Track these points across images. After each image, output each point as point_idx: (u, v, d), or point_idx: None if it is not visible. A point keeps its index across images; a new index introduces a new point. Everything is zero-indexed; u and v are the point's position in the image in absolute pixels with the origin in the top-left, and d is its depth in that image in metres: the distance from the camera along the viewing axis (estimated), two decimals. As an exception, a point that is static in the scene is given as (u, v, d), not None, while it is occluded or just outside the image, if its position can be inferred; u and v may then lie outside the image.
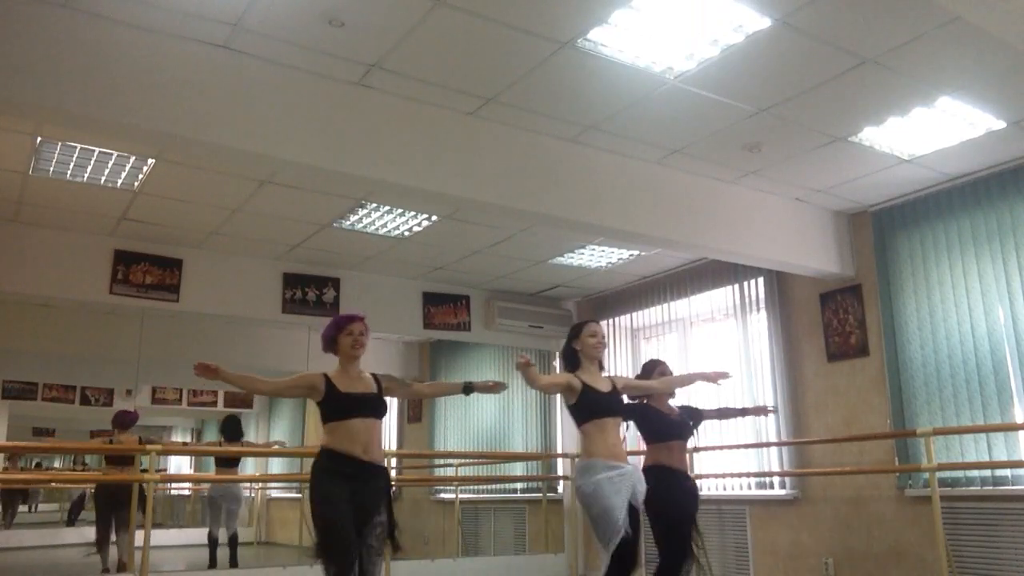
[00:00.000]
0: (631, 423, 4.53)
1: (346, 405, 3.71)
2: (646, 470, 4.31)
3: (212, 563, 7.31)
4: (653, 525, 4.32)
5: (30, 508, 13.52)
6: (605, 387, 4.07)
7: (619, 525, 3.72)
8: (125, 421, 7.07)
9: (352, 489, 3.57)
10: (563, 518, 7.95)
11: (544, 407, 8.71)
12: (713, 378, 4.52)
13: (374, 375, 3.95)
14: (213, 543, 7.43)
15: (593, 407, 3.96)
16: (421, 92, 4.34)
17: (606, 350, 4.22)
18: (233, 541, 7.40)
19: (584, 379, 4.01)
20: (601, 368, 4.18)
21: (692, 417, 4.76)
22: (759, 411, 5.33)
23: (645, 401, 4.59)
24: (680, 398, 4.81)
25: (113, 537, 6.81)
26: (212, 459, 8.53)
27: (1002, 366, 5.16)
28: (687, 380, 4.74)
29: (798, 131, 4.82)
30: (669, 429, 4.54)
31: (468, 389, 4.11)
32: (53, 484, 11.65)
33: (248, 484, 11.11)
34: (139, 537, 5.47)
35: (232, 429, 7.87)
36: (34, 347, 8.22)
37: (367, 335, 3.91)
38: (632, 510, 3.83)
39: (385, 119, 4.35)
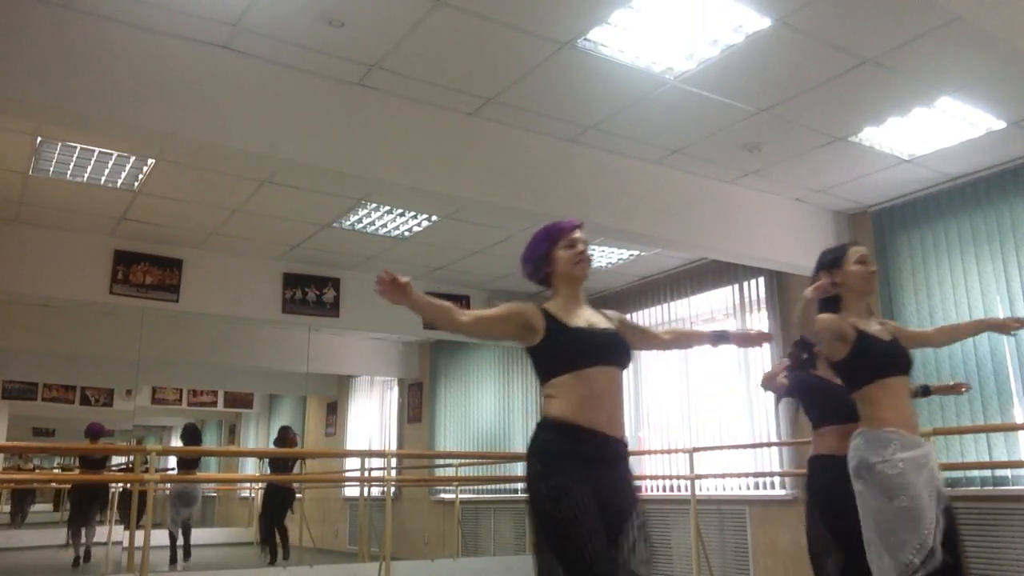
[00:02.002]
0: (799, 404, 3.61)
1: (582, 346, 2.50)
2: (816, 460, 3.45)
3: (183, 556, 8.14)
4: (836, 536, 3.30)
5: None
6: (884, 334, 3.03)
7: (930, 533, 2.65)
8: (97, 431, 8.21)
9: (596, 479, 2.35)
10: (563, 518, 7.93)
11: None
12: (1010, 326, 3.25)
13: (599, 311, 2.78)
14: (173, 538, 8.17)
15: (876, 360, 2.93)
16: (421, 92, 4.35)
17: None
18: (187, 534, 8.28)
19: (856, 323, 2.97)
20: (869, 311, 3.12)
21: None
22: (946, 390, 4.06)
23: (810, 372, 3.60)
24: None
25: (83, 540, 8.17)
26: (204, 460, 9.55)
27: (1002, 366, 5.16)
28: (972, 329, 3.60)
29: (798, 131, 4.82)
30: (847, 407, 3.41)
31: (721, 338, 2.90)
32: (53, 484, 11.67)
33: (248, 484, 11.13)
34: (139, 537, 5.47)
35: (191, 437, 8.57)
36: (34, 347, 8.24)
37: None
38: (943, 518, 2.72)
39: (385, 119, 4.35)
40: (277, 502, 8.53)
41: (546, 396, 2.52)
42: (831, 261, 3.10)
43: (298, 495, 8.64)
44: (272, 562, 8.03)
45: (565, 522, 2.26)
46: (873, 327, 3.03)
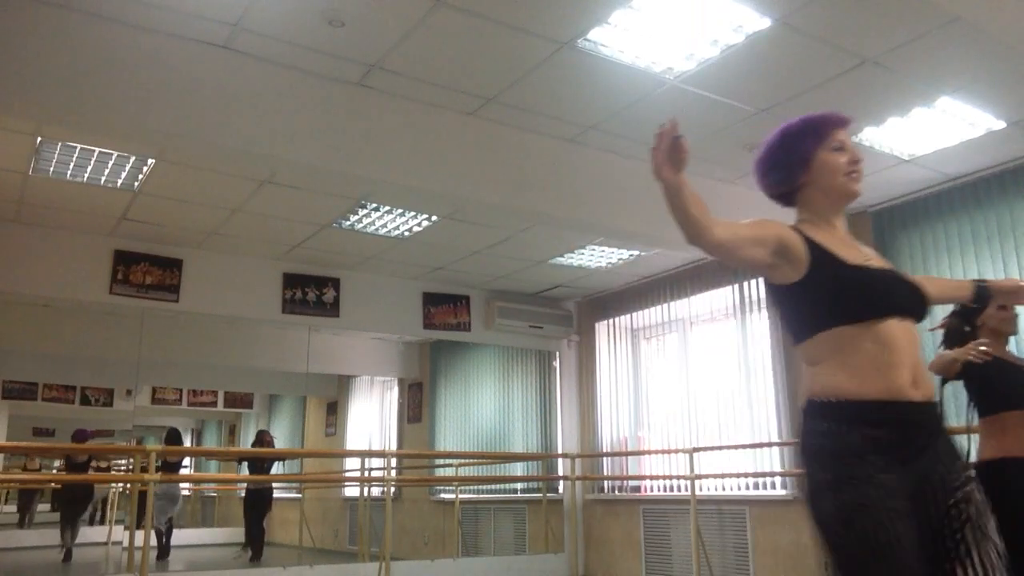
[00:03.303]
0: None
1: (871, 289, 1.83)
2: (1012, 464, 2.94)
3: (161, 554, 8.58)
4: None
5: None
6: None
7: None
8: (84, 437, 9.02)
9: (909, 473, 1.70)
10: (563, 518, 7.95)
11: (544, 407, 8.71)
12: None
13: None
14: (159, 535, 8.50)
15: None
16: (421, 92, 4.35)
17: None
18: (168, 533, 8.79)
19: None
20: None
21: None
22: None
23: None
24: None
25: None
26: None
27: (1002, 366, 5.15)
28: None
29: (798, 131, 4.81)
30: None
31: (982, 294, 2.26)
32: (52, 484, 11.66)
33: (246, 485, 11.13)
34: (139, 537, 5.47)
35: (173, 442, 9.13)
36: (34, 347, 8.25)
37: None
38: None
39: (385, 119, 4.35)
40: (255, 503, 8.87)
41: (811, 361, 1.84)
42: None
43: (275, 495, 8.95)
44: (253, 559, 8.34)
45: (865, 558, 1.62)
46: None
